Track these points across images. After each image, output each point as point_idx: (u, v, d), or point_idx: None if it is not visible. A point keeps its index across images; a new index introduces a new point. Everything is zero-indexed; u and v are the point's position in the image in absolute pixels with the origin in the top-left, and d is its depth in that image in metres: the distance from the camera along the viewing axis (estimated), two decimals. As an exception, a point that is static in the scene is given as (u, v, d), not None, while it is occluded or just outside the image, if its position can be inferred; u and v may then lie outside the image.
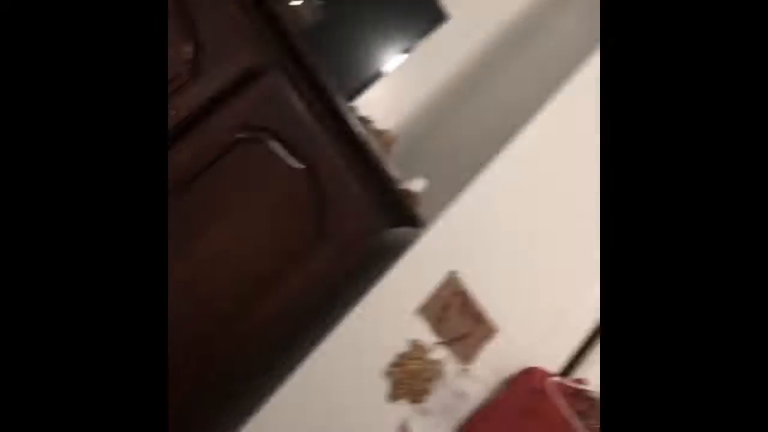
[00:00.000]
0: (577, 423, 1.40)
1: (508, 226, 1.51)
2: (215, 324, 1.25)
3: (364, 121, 1.40)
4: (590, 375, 1.55)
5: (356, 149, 1.34)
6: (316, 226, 1.33)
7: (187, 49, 1.18)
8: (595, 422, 1.43)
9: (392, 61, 1.81)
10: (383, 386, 1.39)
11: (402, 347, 1.41)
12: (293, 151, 1.29)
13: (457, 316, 1.47)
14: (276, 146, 1.27)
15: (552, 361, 1.55)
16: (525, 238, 1.53)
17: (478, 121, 1.83)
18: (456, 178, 1.52)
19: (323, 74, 1.29)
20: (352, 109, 1.35)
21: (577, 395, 1.46)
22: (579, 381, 1.49)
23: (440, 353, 1.45)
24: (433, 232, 1.43)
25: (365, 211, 1.38)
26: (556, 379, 1.43)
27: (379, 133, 1.43)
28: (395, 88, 1.83)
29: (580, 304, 1.62)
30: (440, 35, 1.87)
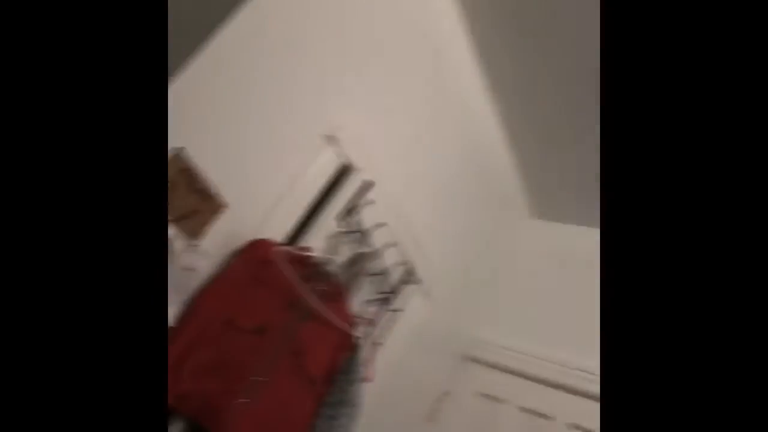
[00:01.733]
0: (302, 286, 1.49)
1: (234, 101, 1.50)
2: None
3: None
4: (313, 243, 1.65)
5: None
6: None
7: None
8: (318, 284, 1.54)
9: None
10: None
11: (127, 226, 1.35)
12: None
13: (185, 193, 1.45)
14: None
15: (278, 231, 1.62)
16: (252, 115, 1.54)
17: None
18: (177, 51, 1.45)
19: None
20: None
21: (301, 261, 1.55)
22: (303, 248, 1.58)
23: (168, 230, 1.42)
24: (155, 106, 1.36)
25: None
26: (282, 248, 1.49)
27: None
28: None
29: (304, 177, 1.69)
30: None
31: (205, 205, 1.49)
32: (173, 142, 1.39)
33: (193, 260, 1.47)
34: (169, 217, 1.42)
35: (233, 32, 1.46)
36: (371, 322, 1.76)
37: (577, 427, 2.06)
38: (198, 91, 1.42)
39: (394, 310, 1.97)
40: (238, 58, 1.49)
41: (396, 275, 1.98)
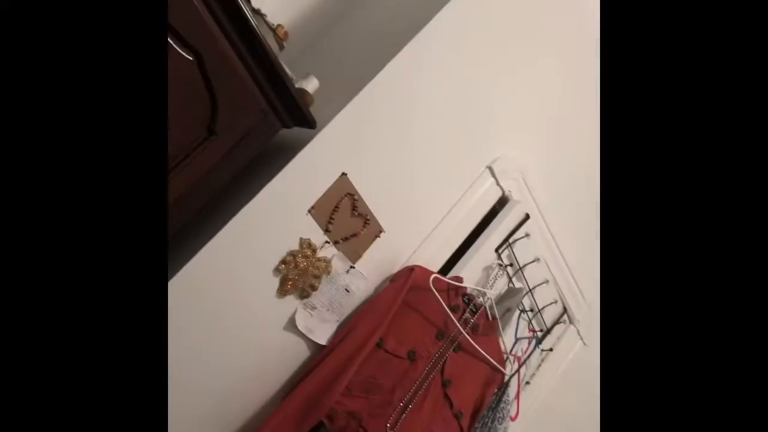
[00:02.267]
0: (453, 317, 1.49)
1: (398, 131, 1.54)
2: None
3: (257, 13, 1.38)
4: (466, 274, 1.64)
5: (250, 42, 1.31)
6: (206, 120, 1.31)
7: None
8: (470, 316, 1.52)
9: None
10: (274, 282, 1.43)
11: (293, 245, 1.44)
12: (181, 40, 1.25)
13: (347, 216, 1.51)
14: (163, 33, 1.23)
15: (432, 260, 1.62)
16: (414, 145, 1.57)
17: (374, 21, 1.82)
18: (348, 80, 1.53)
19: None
20: (245, 1, 1.32)
21: (454, 291, 1.54)
22: (456, 279, 1.57)
23: (329, 251, 1.49)
24: (325, 133, 1.44)
25: (258, 108, 1.37)
26: (435, 276, 1.50)
27: (273, 28, 1.41)
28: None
29: (460, 207, 1.69)
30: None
31: (365, 229, 1.54)
32: (341, 166, 1.46)
33: (350, 282, 1.52)
34: (333, 239, 1.48)
35: (398, 64, 1.51)
36: (521, 360, 1.70)
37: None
38: (364, 119, 1.48)
39: (545, 350, 1.89)
40: (402, 88, 1.53)
41: (549, 313, 1.90)
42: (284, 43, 1.46)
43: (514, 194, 1.79)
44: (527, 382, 1.84)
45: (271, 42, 1.38)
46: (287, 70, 1.37)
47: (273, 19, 1.43)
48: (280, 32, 1.43)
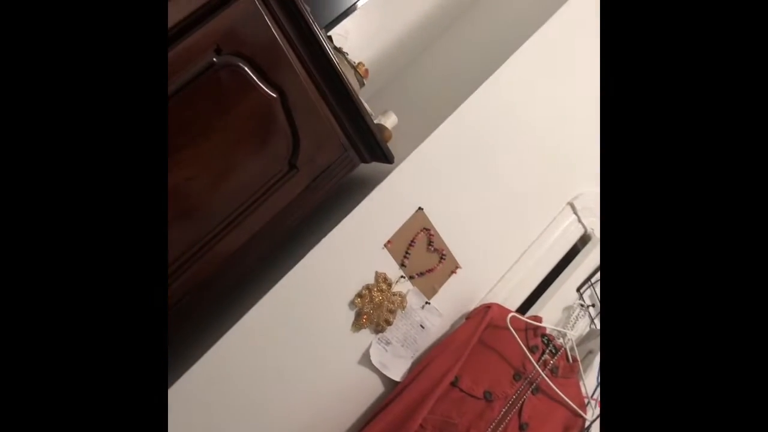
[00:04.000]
0: (532, 357, 1.44)
1: (476, 167, 1.53)
2: (187, 247, 1.28)
3: (339, 52, 1.41)
4: (546, 314, 1.58)
5: (331, 80, 1.34)
6: (288, 154, 1.34)
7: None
8: (549, 358, 1.47)
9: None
10: (349, 315, 1.43)
11: (369, 279, 1.44)
12: (266, 78, 1.29)
13: (422, 251, 1.50)
14: (248, 72, 1.27)
15: (509, 298, 1.58)
16: (492, 181, 1.55)
17: (452, 59, 1.83)
18: (426, 116, 1.54)
19: (299, 1, 1.28)
20: (328, 39, 1.35)
21: (533, 331, 1.49)
22: (535, 318, 1.52)
23: (404, 286, 1.48)
24: (403, 168, 1.45)
25: (338, 144, 1.39)
26: (513, 314, 1.46)
27: (354, 66, 1.44)
28: (367, 22, 1.83)
29: (540, 244, 1.64)
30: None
31: (441, 264, 1.52)
32: (418, 201, 1.46)
33: (425, 318, 1.50)
34: (408, 274, 1.47)
35: (476, 101, 1.50)
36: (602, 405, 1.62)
37: None
38: (441, 154, 1.48)
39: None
40: (480, 124, 1.53)
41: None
42: (365, 80, 1.48)
43: (596, 232, 1.73)
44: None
45: (352, 79, 1.41)
46: (367, 106, 1.39)
47: (354, 57, 1.46)
48: (361, 70, 1.45)
